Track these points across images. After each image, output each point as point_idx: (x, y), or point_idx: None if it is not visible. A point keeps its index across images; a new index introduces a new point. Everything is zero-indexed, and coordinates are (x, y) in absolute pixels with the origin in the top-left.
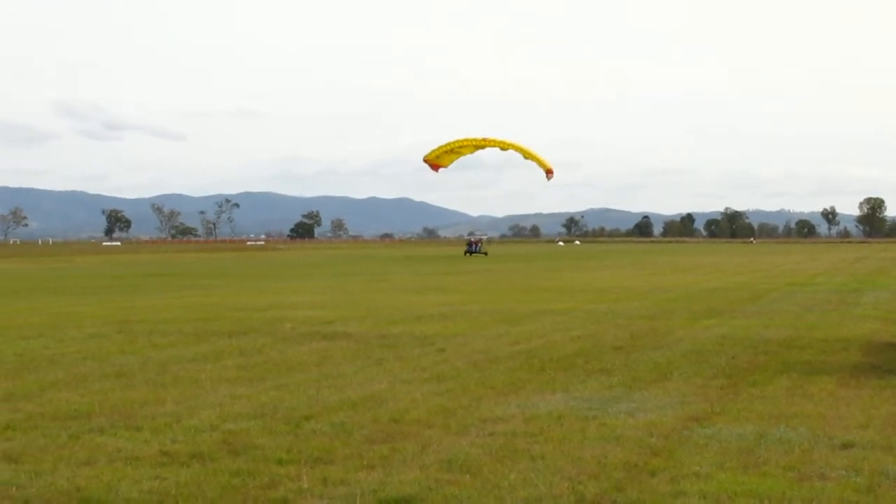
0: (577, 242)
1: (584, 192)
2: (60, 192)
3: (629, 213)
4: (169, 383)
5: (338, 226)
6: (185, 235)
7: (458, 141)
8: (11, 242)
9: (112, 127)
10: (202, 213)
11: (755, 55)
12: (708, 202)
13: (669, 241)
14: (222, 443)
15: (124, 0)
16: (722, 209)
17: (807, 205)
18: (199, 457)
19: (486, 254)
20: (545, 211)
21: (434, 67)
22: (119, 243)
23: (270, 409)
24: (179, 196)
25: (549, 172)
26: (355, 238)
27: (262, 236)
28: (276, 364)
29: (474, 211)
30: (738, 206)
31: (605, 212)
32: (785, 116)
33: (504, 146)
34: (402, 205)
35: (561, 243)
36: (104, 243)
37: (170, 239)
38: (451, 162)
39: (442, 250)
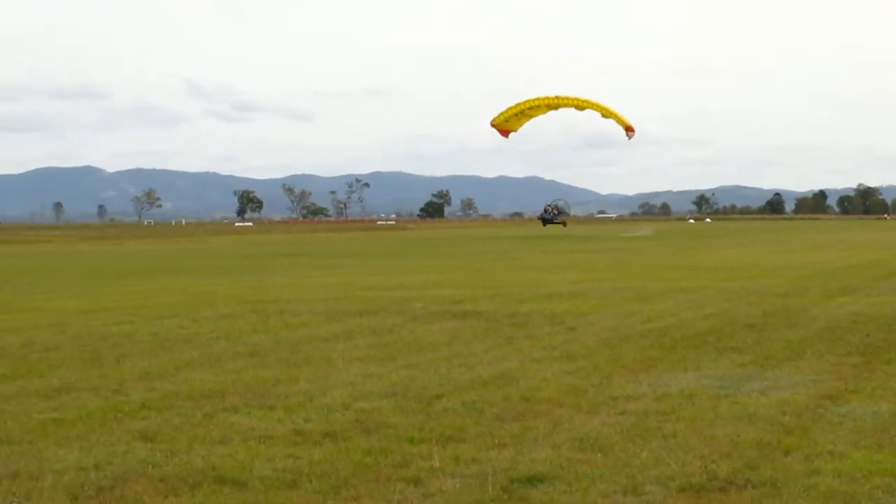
0: (709, 220)
1: (714, 168)
2: (193, 174)
3: (760, 189)
4: (301, 362)
5: (468, 205)
6: (315, 215)
7: (528, 101)
8: (146, 223)
9: (242, 108)
10: (333, 192)
11: (888, 25)
12: (840, 178)
13: (802, 219)
14: (355, 422)
15: None
16: (855, 185)
17: None
18: (331, 435)
19: (564, 224)
20: (675, 188)
21: (559, 43)
22: (251, 223)
23: (402, 388)
24: (310, 176)
25: (629, 130)
26: (485, 217)
27: (393, 216)
28: (406, 343)
29: (604, 189)
30: (872, 182)
31: (737, 189)
32: None
33: (581, 105)
34: (532, 183)
35: (692, 221)
36: (236, 223)
37: (301, 219)
38: (521, 125)
39: (571, 229)
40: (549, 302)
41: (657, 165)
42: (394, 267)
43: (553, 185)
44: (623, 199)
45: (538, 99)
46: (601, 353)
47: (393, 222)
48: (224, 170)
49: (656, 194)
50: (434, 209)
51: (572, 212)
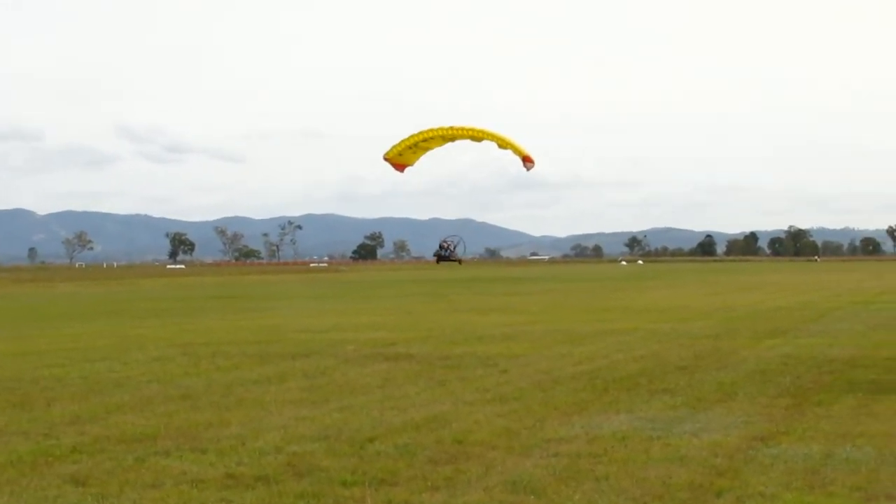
0: (640, 262)
1: (646, 210)
2: (124, 216)
3: (692, 231)
4: (233, 405)
5: (400, 247)
6: (248, 258)
7: (421, 133)
8: (77, 265)
9: (174, 150)
10: (265, 235)
11: (817, 68)
12: (772, 220)
13: (733, 260)
14: (287, 465)
15: (181, 22)
16: (786, 227)
17: (872, 222)
18: (264, 479)
19: (459, 262)
20: (607, 230)
21: (497, 86)
22: (183, 266)
23: (335, 431)
24: (242, 218)
25: (527, 160)
26: (418, 259)
27: (325, 258)
28: (339, 386)
29: (536, 231)
30: (803, 224)
31: (668, 231)
32: (846, 132)
33: (477, 137)
34: (465, 225)
35: (624, 263)
36: (168, 266)
37: (233, 261)
38: (417, 159)
39: (503, 271)
40: (481, 344)
41: (590, 208)
42: (326, 309)
43: (485, 226)
44: (555, 241)
45: (432, 130)
46: (534, 395)
47: (326, 265)
48: (156, 212)
49: (588, 236)
50: (367, 251)
51: (506, 254)
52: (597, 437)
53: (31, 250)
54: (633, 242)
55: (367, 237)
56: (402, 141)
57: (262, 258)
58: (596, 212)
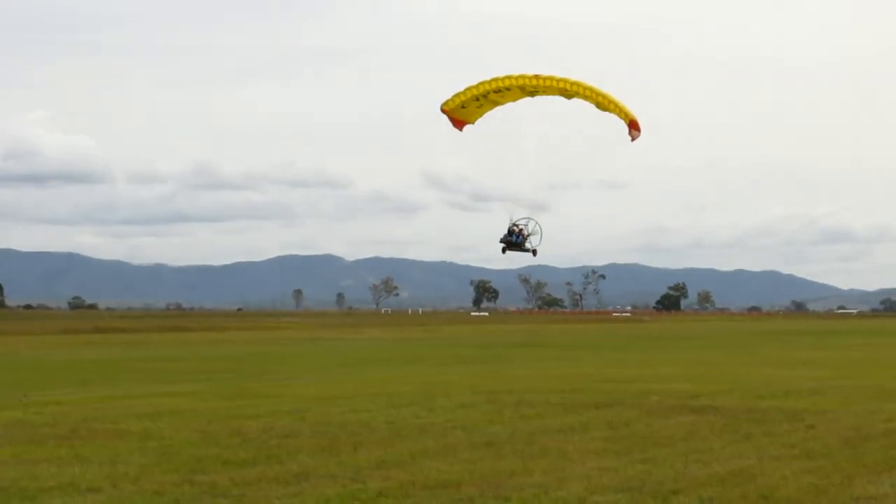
0: None
1: None
2: (430, 263)
3: None
4: (537, 454)
5: (704, 298)
6: (551, 306)
7: (494, 81)
8: (383, 311)
9: (479, 198)
10: (568, 283)
11: None
12: None
13: None
14: None
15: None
16: None
17: None
18: None
19: (534, 253)
20: None
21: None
22: (486, 313)
23: (637, 482)
24: (546, 267)
25: (633, 126)
26: (722, 311)
27: (628, 308)
28: (642, 437)
29: (844, 284)
30: None
31: None
32: None
33: (569, 92)
34: (770, 277)
35: None
36: (472, 313)
37: (536, 310)
38: (482, 114)
39: (811, 324)
40: (788, 398)
41: None
42: (629, 359)
43: (791, 279)
44: (864, 295)
45: (509, 78)
46: (842, 451)
47: (628, 314)
48: (460, 259)
49: None
50: (670, 302)
51: (813, 307)
52: None
53: (339, 295)
54: None
55: (670, 287)
56: (468, 88)
57: (565, 307)
58: None
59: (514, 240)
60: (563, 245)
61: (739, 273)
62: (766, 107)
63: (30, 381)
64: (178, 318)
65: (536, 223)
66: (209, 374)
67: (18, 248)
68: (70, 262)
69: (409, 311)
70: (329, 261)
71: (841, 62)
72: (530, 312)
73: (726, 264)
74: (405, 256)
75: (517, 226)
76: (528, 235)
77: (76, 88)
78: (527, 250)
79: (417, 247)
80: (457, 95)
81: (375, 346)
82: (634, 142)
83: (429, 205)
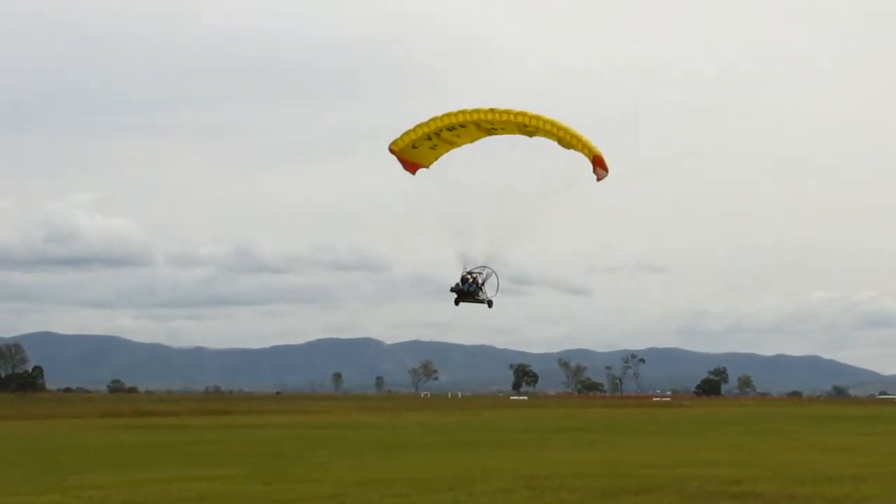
0: None
1: None
2: (469, 346)
3: None
4: None
5: (745, 383)
6: (591, 390)
7: (448, 117)
8: (422, 395)
9: (520, 282)
10: (608, 368)
11: None
12: None
13: None
14: None
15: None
16: None
17: None
18: None
19: (489, 304)
20: None
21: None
22: (526, 397)
23: None
24: (585, 351)
25: (597, 163)
26: (762, 395)
27: (668, 392)
28: None
29: (886, 369)
30: None
31: None
32: None
33: (528, 128)
34: (811, 363)
35: None
36: (512, 397)
37: (576, 394)
38: (437, 156)
39: (852, 410)
40: (829, 485)
41: None
42: (669, 444)
43: (833, 364)
44: None
45: (461, 113)
46: None
47: (668, 399)
48: (499, 343)
49: None
50: (710, 386)
51: (854, 392)
52: None
53: (378, 378)
54: None
55: (710, 372)
56: (419, 126)
57: (605, 391)
58: None
59: (465, 288)
60: (603, 329)
61: (780, 358)
62: (809, 190)
63: (69, 464)
64: (217, 402)
65: (493, 271)
66: (248, 457)
67: (58, 331)
68: (110, 345)
69: (449, 395)
70: (368, 344)
71: (884, 144)
72: (570, 396)
73: (767, 349)
74: (445, 340)
75: (471, 274)
76: (483, 284)
77: (117, 171)
78: (481, 301)
79: (457, 330)
80: (406, 134)
81: (415, 430)
82: (601, 181)
83: None
